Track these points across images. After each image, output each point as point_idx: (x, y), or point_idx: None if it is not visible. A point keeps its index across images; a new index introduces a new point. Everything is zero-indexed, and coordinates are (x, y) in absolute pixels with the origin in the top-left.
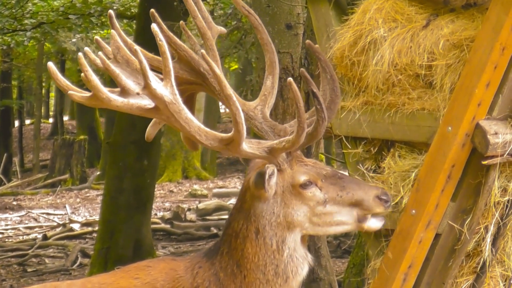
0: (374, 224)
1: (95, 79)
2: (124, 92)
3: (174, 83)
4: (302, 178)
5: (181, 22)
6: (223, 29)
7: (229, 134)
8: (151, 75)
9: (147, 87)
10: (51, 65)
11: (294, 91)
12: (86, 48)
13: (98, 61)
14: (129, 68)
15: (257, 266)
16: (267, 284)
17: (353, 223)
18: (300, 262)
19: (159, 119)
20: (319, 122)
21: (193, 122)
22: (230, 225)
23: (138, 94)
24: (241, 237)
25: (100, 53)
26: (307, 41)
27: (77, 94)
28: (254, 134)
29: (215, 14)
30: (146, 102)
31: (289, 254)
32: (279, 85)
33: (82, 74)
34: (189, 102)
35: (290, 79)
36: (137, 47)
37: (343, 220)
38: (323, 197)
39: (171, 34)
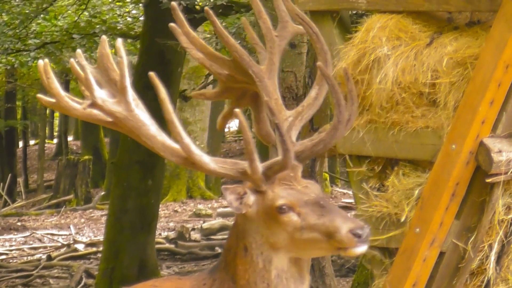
0: (354, 250)
1: (56, 87)
2: (96, 104)
3: (130, 98)
4: (279, 202)
5: (243, 18)
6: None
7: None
8: (100, 92)
9: (94, 104)
10: (41, 64)
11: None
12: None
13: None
14: (107, 77)
15: (249, 283)
16: None
17: (333, 250)
18: (291, 284)
19: (123, 132)
20: (285, 160)
21: (157, 138)
22: (227, 241)
23: (84, 109)
24: (233, 253)
25: (72, 60)
26: (318, 63)
27: (45, 98)
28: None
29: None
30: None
31: (277, 274)
32: (284, 104)
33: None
34: (256, 100)
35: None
36: (78, 68)
37: (322, 246)
38: (300, 223)
39: (225, 33)
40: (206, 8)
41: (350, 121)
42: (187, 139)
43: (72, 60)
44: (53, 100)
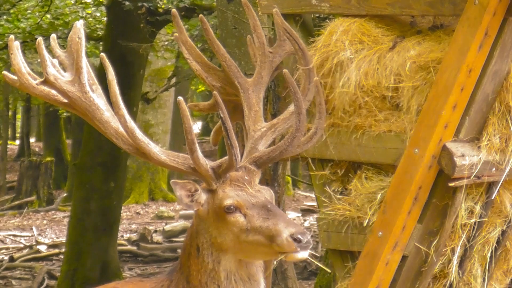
0: (295, 255)
1: (19, 63)
2: (48, 81)
3: (85, 81)
4: (227, 202)
5: (201, 16)
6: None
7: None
8: (53, 69)
9: (46, 81)
10: (13, 39)
11: (224, 116)
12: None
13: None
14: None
15: (201, 283)
16: None
17: (275, 254)
18: (241, 286)
19: (79, 115)
20: (231, 157)
21: (110, 124)
22: (184, 242)
23: (36, 85)
24: (187, 253)
25: (39, 38)
26: (284, 70)
27: (9, 75)
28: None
29: None
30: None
31: (226, 275)
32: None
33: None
34: (236, 112)
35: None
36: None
37: (265, 250)
38: (246, 225)
39: (216, 41)
40: (173, 10)
41: (316, 134)
42: (131, 124)
43: (39, 38)
44: (15, 77)
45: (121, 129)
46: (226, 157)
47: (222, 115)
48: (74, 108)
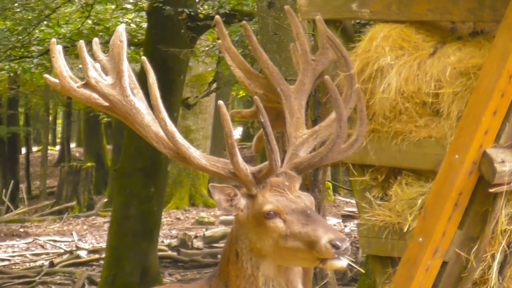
0: (331, 262)
1: (60, 66)
2: (89, 84)
3: (126, 84)
4: (267, 208)
5: (244, 22)
6: None
7: (180, 143)
8: (95, 73)
9: (87, 84)
10: (55, 42)
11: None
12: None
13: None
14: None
15: None
16: None
17: (314, 261)
18: None
19: (120, 118)
20: (271, 162)
21: (150, 127)
22: (224, 248)
23: (77, 88)
24: (226, 259)
25: (81, 41)
26: (326, 76)
27: (50, 78)
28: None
29: None
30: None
31: (265, 282)
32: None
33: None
34: (278, 120)
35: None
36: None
37: (304, 256)
38: (285, 230)
39: (259, 48)
40: (217, 17)
41: (357, 141)
42: (172, 128)
43: (80, 42)
44: (57, 81)
45: (161, 133)
46: (266, 162)
47: (262, 120)
48: (115, 111)
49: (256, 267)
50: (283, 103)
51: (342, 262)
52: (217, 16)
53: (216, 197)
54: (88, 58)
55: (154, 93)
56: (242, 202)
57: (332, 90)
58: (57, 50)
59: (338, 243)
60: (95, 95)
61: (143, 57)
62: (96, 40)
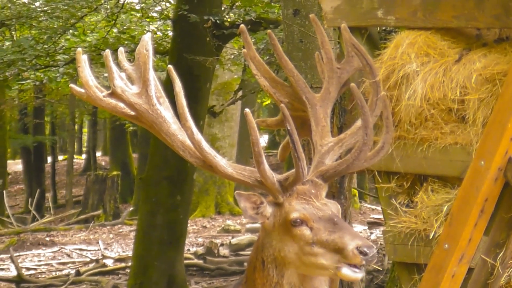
0: (347, 273)
1: (86, 76)
2: (115, 93)
3: (152, 93)
4: (293, 215)
5: (269, 31)
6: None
7: (206, 151)
8: (121, 82)
9: (113, 93)
10: (80, 52)
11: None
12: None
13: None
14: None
15: None
16: None
17: (334, 269)
18: None
19: (146, 127)
20: (298, 170)
21: (176, 136)
22: (250, 256)
23: (103, 97)
24: (253, 267)
25: (107, 51)
26: (352, 84)
27: (75, 88)
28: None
29: None
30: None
31: None
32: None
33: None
34: (304, 128)
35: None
36: (121, 49)
37: (324, 264)
38: (312, 238)
39: (284, 57)
40: (242, 26)
41: (383, 149)
42: (198, 136)
43: (106, 51)
44: (82, 90)
45: (188, 142)
46: (292, 170)
47: (289, 128)
48: (141, 120)
49: (281, 275)
50: (309, 111)
51: (358, 274)
52: (242, 25)
53: (242, 205)
54: (114, 67)
55: (180, 101)
56: (268, 210)
57: (358, 98)
58: (83, 60)
59: (365, 249)
60: (121, 105)
61: (169, 66)
62: (121, 49)
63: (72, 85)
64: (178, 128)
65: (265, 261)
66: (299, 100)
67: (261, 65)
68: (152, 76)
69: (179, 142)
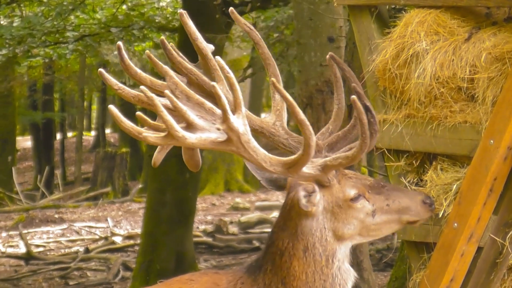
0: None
1: (170, 119)
2: (191, 127)
3: (244, 114)
4: (352, 192)
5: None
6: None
7: (292, 157)
8: (229, 109)
9: (226, 121)
10: (113, 108)
11: (358, 107)
12: (143, 87)
13: (158, 101)
14: (190, 103)
15: (305, 283)
16: None
17: (403, 224)
18: (347, 275)
19: (228, 150)
20: (372, 135)
21: (260, 150)
22: (274, 243)
23: (218, 129)
24: (287, 255)
25: (167, 91)
26: (330, 53)
27: (151, 135)
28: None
29: (256, 27)
30: (216, 135)
31: (338, 266)
32: (321, 98)
33: (159, 115)
34: None
35: (354, 97)
36: (214, 84)
37: (391, 228)
38: (372, 208)
39: (180, 59)
40: (231, 9)
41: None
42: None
43: (168, 94)
44: (161, 134)
45: (267, 153)
46: (346, 153)
47: (367, 104)
48: (229, 145)
49: (332, 254)
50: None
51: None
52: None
53: (300, 194)
54: (225, 100)
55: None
56: (317, 197)
57: (342, 64)
58: (160, 106)
59: (428, 200)
60: (204, 136)
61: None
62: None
63: (146, 135)
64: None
65: (310, 247)
66: None
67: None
68: (241, 97)
69: (262, 155)
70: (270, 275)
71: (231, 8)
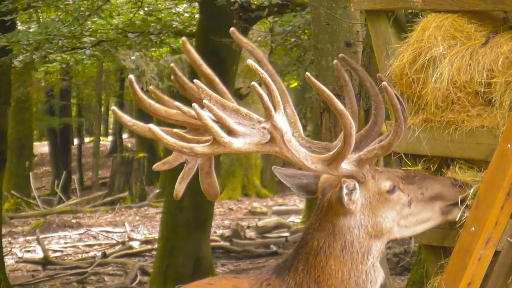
0: (455, 212)
1: (215, 126)
2: (233, 134)
3: (284, 113)
4: (388, 184)
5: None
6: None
7: (332, 152)
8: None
9: (270, 119)
10: (155, 129)
11: (390, 93)
12: (178, 103)
13: (192, 112)
14: (226, 111)
15: (340, 281)
16: None
17: (438, 217)
18: (379, 273)
19: (272, 152)
20: (398, 131)
21: (301, 149)
22: (308, 244)
23: (264, 128)
24: (323, 254)
25: (205, 101)
26: (340, 54)
27: (199, 146)
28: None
29: (274, 32)
30: (259, 138)
31: (372, 263)
32: (342, 101)
33: (206, 123)
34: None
35: (384, 82)
36: (255, 83)
37: (428, 216)
38: (407, 198)
39: (201, 62)
40: (232, 29)
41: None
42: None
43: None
44: (208, 143)
45: (307, 151)
46: (380, 143)
47: (395, 91)
48: (272, 146)
49: (368, 250)
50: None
51: (459, 210)
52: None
53: (343, 192)
54: (268, 100)
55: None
56: (357, 194)
57: (354, 64)
58: (203, 114)
59: (457, 182)
60: (248, 140)
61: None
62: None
63: (194, 146)
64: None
65: (348, 245)
66: None
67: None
68: (279, 96)
69: (303, 153)
70: (301, 274)
71: (232, 29)
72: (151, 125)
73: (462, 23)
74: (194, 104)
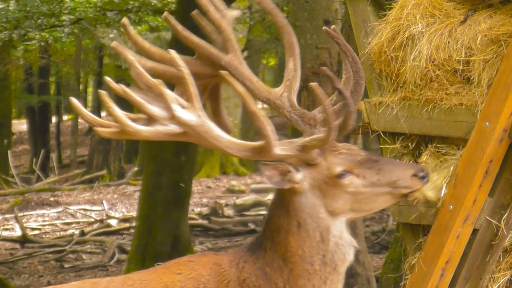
0: (412, 197)
1: (119, 114)
2: (152, 119)
3: (200, 105)
4: (338, 169)
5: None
6: (236, 13)
7: (259, 142)
8: (175, 103)
9: (174, 117)
10: (73, 100)
11: (318, 94)
12: (108, 78)
13: (119, 90)
14: (152, 93)
15: (303, 258)
16: (315, 274)
17: (393, 199)
18: (347, 249)
19: (189, 141)
20: (347, 115)
21: (224, 137)
22: (271, 221)
23: (167, 124)
24: (283, 231)
25: (121, 85)
26: (324, 27)
27: (105, 130)
28: (293, 127)
29: (252, 9)
30: (174, 127)
31: (335, 242)
32: (317, 81)
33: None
34: (215, 93)
35: (313, 83)
36: (159, 81)
37: (387, 199)
38: (361, 183)
39: (187, 34)
40: (123, 20)
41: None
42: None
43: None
44: (114, 129)
45: (232, 139)
46: (318, 135)
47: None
48: (187, 136)
49: (326, 231)
50: (234, 73)
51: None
52: (166, 13)
53: (268, 173)
54: (167, 94)
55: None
56: (297, 175)
57: (337, 38)
58: (109, 99)
59: (421, 173)
60: (161, 128)
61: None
62: (125, 21)
63: (98, 129)
64: (219, 129)
65: (302, 223)
66: (208, 66)
67: (146, 48)
68: (196, 89)
69: (226, 142)
70: (270, 253)
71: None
72: (72, 98)
73: (440, 1)
74: (121, 86)
